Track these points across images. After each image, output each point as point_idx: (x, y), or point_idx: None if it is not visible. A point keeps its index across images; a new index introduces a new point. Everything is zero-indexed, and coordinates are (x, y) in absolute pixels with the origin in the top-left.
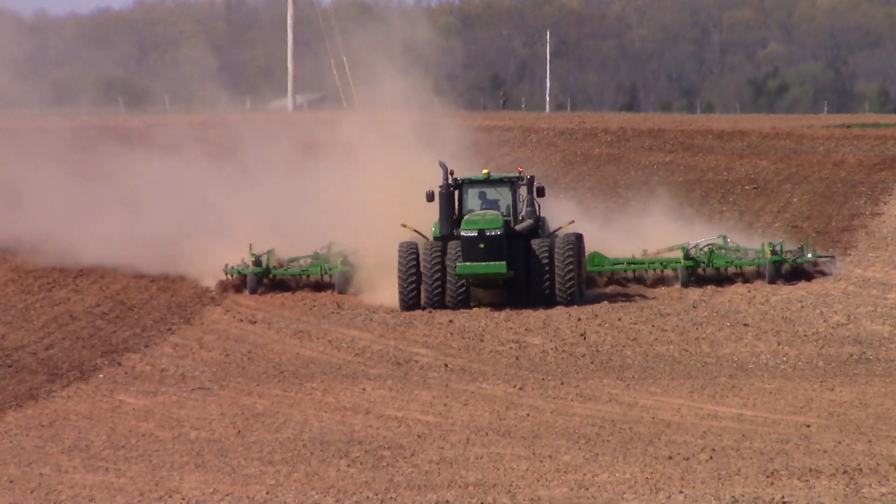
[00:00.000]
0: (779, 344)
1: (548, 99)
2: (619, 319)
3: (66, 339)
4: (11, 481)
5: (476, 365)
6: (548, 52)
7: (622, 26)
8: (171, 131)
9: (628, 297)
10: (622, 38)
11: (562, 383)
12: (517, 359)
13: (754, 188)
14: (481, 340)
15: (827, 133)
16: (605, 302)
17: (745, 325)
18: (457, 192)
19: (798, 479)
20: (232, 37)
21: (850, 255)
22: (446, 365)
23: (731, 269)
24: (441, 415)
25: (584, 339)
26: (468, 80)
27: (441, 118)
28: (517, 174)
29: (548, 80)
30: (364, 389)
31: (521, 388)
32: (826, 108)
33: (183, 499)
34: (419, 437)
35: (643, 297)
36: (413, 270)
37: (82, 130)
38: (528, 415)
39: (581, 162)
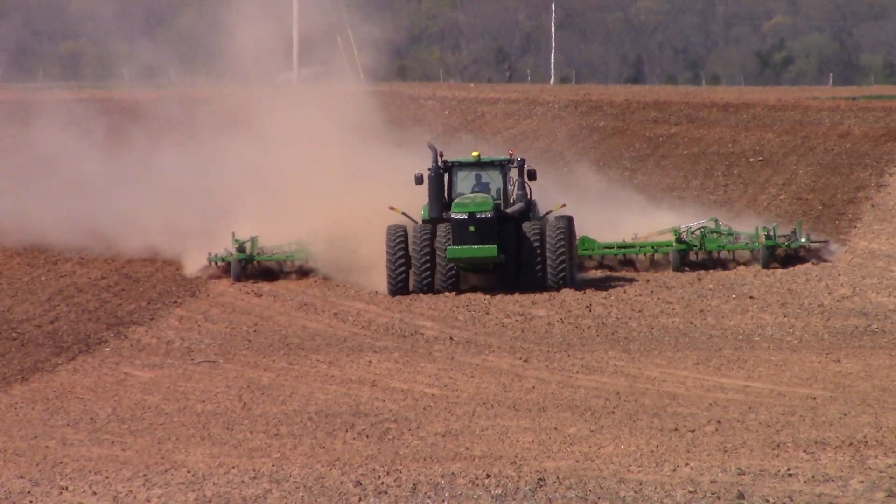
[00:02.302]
0: (784, 316)
1: (553, 71)
2: (625, 291)
3: (71, 311)
4: (17, 454)
5: (482, 337)
6: (553, 24)
7: None
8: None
9: (629, 273)
10: (627, 11)
11: (567, 355)
12: (523, 331)
13: (759, 160)
14: (487, 313)
15: (832, 105)
16: (610, 274)
17: (751, 297)
18: (446, 175)
19: (804, 451)
20: (234, 6)
21: (855, 227)
22: (452, 337)
23: (724, 254)
24: (447, 387)
25: (590, 311)
26: (473, 52)
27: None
28: (507, 157)
29: (553, 53)
30: (370, 362)
31: (526, 361)
32: (831, 81)
33: (189, 472)
34: (425, 409)
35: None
36: (401, 254)
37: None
38: (533, 387)
39: (586, 135)
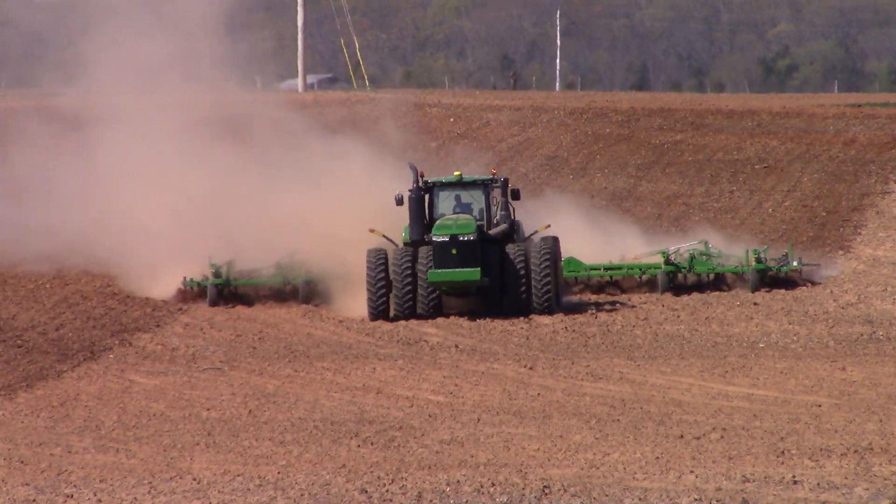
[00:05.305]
0: (789, 323)
1: (558, 78)
2: (629, 299)
3: (76, 318)
4: (22, 461)
5: (486, 345)
6: (558, 31)
7: (632, 5)
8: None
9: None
10: (632, 18)
11: (572, 363)
12: (528, 338)
13: (764, 167)
14: (492, 320)
15: (837, 112)
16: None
17: (755, 304)
18: (427, 196)
19: (809, 458)
20: (242, 15)
21: (860, 234)
22: (457, 345)
23: (713, 276)
24: (451, 395)
25: (595, 318)
26: (478, 59)
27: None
28: (490, 176)
29: (558, 60)
30: (375, 369)
31: (531, 368)
32: (836, 88)
33: (194, 479)
34: (430, 416)
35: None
36: (382, 278)
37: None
38: (538, 394)
39: (591, 142)
